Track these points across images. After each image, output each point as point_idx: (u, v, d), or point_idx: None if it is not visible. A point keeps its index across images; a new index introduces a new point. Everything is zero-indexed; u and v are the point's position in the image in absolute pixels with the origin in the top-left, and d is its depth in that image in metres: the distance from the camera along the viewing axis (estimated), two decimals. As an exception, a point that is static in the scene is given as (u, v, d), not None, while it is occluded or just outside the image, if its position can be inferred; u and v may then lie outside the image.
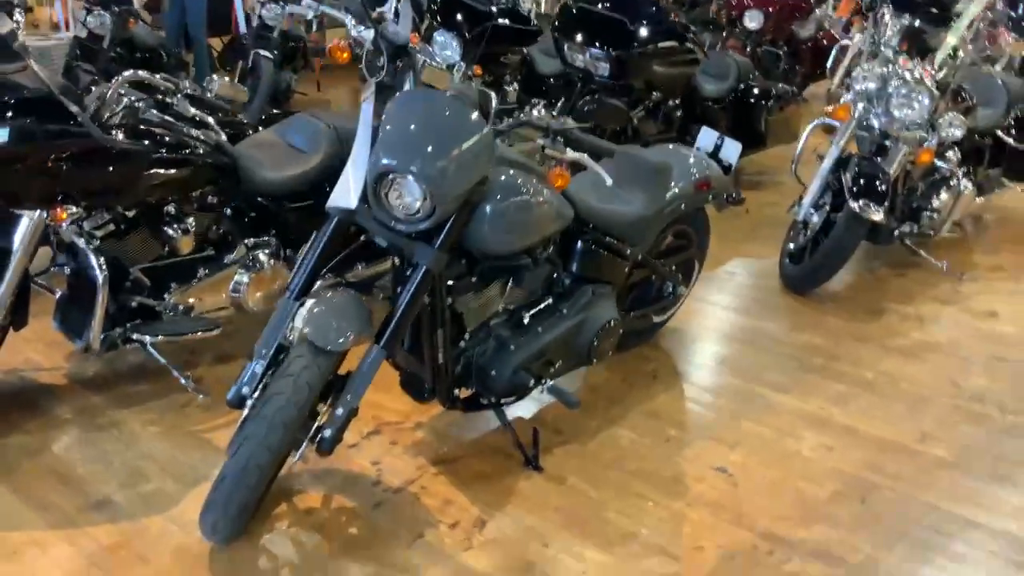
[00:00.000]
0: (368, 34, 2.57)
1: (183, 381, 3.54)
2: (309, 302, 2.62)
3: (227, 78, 3.64)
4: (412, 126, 2.52)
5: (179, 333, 3.55)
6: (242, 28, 7.86)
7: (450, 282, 2.82)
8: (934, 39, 5.26)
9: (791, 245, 4.76)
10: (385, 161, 2.49)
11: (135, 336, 3.46)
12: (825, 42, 9.34)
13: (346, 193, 2.59)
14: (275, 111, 4.98)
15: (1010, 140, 5.36)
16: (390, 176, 2.51)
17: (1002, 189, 5.64)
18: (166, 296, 3.53)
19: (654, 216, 3.44)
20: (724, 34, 8.79)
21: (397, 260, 2.80)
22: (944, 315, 4.46)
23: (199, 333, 3.57)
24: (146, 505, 2.89)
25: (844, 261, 4.49)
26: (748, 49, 8.95)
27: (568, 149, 2.66)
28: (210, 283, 3.65)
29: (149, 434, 3.28)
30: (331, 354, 2.55)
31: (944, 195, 4.93)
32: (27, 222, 3.16)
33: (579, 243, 3.22)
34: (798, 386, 3.72)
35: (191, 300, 3.59)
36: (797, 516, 2.91)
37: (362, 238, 2.89)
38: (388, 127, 2.53)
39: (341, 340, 2.56)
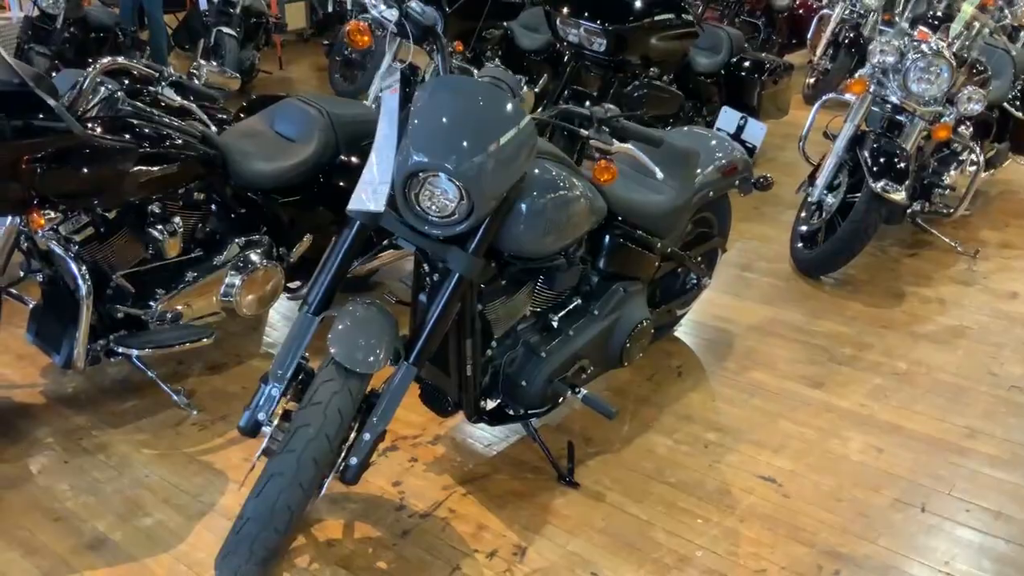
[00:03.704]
0: (392, 14, 2.28)
1: (174, 397, 3.26)
2: (333, 319, 2.34)
3: (203, 60, 3.30)
4: (444, 118, 2.23)
5: (168, 344, 3.24)
6: (203, 4, 7.43)
7: (480, 286, 2.56)
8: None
9: (803, 227, 4.55)
10: (416, 158, 2.20)
11: (120, 349, 3.15)
12: (801, 11, 9.17)
13: (370, 194, 2.29)
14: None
15: (1018, 113, 5.19)
16: (421, 175, 2.23)
17: (1005, 163, 5.50)
18: (152, 303, 3.22)
19: (684, 205, 3.20)
20: (701, 5, 8.55)
21: (425, 265, 2.52)
22: (965, 297, 4.29)
23: (189, 344, 3.26)
24: (148, 542, 2.61)
25: (864, 244, 4.28)
26: (726, 20, 8.75)
27: (615, 140, 2.40)
28: (199, 287, 3.34)
29: (142, 458, 2.98)
30: (362, 376, 2.27)
31: (954, 171, 4.76)
32: (-2, 229, 2.86)
33: (608, 237, 2.97)
34: (832, 380, 3.53)
35: (179, 307, 3.29)
36: (858, 529, 2.71)
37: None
38: (417, 119, 2.24)
39: (371, 359, 2.28)
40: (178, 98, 3.09)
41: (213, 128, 3.42)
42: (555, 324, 2.88)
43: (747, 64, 6.03)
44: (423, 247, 2.41)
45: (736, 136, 3.64)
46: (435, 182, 2.24)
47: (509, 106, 2.29)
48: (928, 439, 3.16)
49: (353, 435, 2.40)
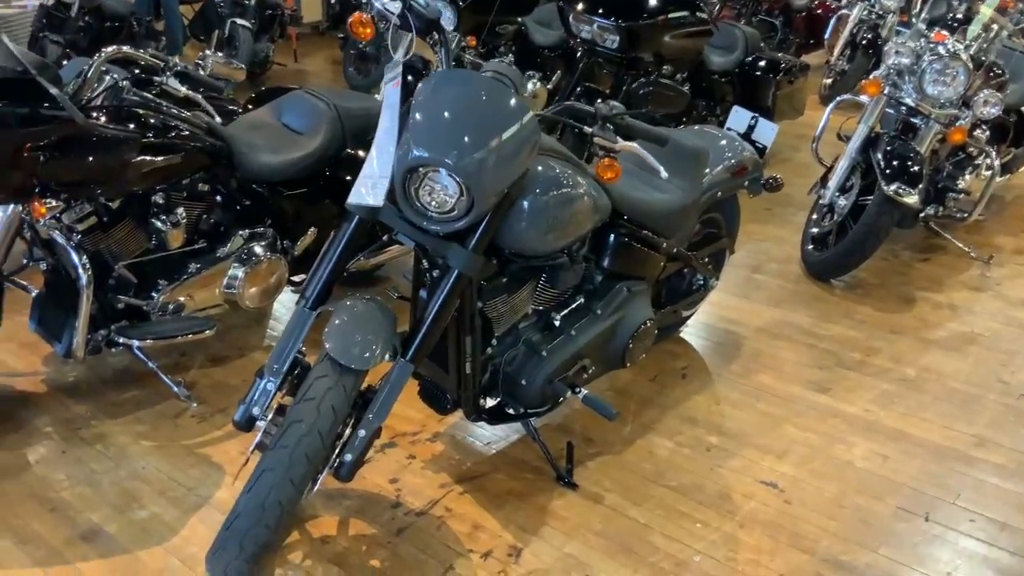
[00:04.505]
0: (395, 6, 2.25)
1: (174, 388, 3.24)
2: (330, 313, 2.32)
3: (209, 51, 3.29)
4: (446, 112, 2.21)
5: (169, 335, 3.22)
6: (218, -5, 7.43)
7: (481, 283, 2.53)
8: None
9: (814, 230, 4.50)
10: (416, 153, 2.18)
11: (121, 339, 3.14)
12: (819, 11, 9.08)
13: (369, 188, 2.27)
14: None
15: (1035, 117, 5.13)
16: (421, 170, 2.20)
17: (1021, 168, 5.42)
18: (154, 294, 3.21)
19: (691, 205, 3.16)
20: (718, 3, 8.48)
21: (425, 261, 2.49)
22: (977, 304, 4.23)
23: (191, 335, 3.24)
24: (142, 534, 2.59)
25: (875, 247, 4.23)
26: (743, 19, 8.68)
27: (619, 138, 2.36)
28: (202, 279, 3.33)
29: (140, 449, 2.97)
30: (356, 372, 2.25)
31: (969, 175, 4.70)
32: (0, 217, 2.84)
33: (612, 236, 2.92)
34: (839, 385, 3.48)
35: (181, 298, 3.28)
36: (860, 537, 2.67)
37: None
38: (418, 114, 2.21)
39: (367, 355, 2.26)
40: (183, 88, 3.07)
41: (219, 119, 3.41)
42: (557, 323, 2.85)
43: (762, 63, 5.96)
44: (422, 243, 2.38)
45: (747, 136, 3.59)
46: (435, 177, 2.21)
47: (512, 101, 2.26)
48: (934, 447, 3.12)
49: (348, 431, 2.38)
